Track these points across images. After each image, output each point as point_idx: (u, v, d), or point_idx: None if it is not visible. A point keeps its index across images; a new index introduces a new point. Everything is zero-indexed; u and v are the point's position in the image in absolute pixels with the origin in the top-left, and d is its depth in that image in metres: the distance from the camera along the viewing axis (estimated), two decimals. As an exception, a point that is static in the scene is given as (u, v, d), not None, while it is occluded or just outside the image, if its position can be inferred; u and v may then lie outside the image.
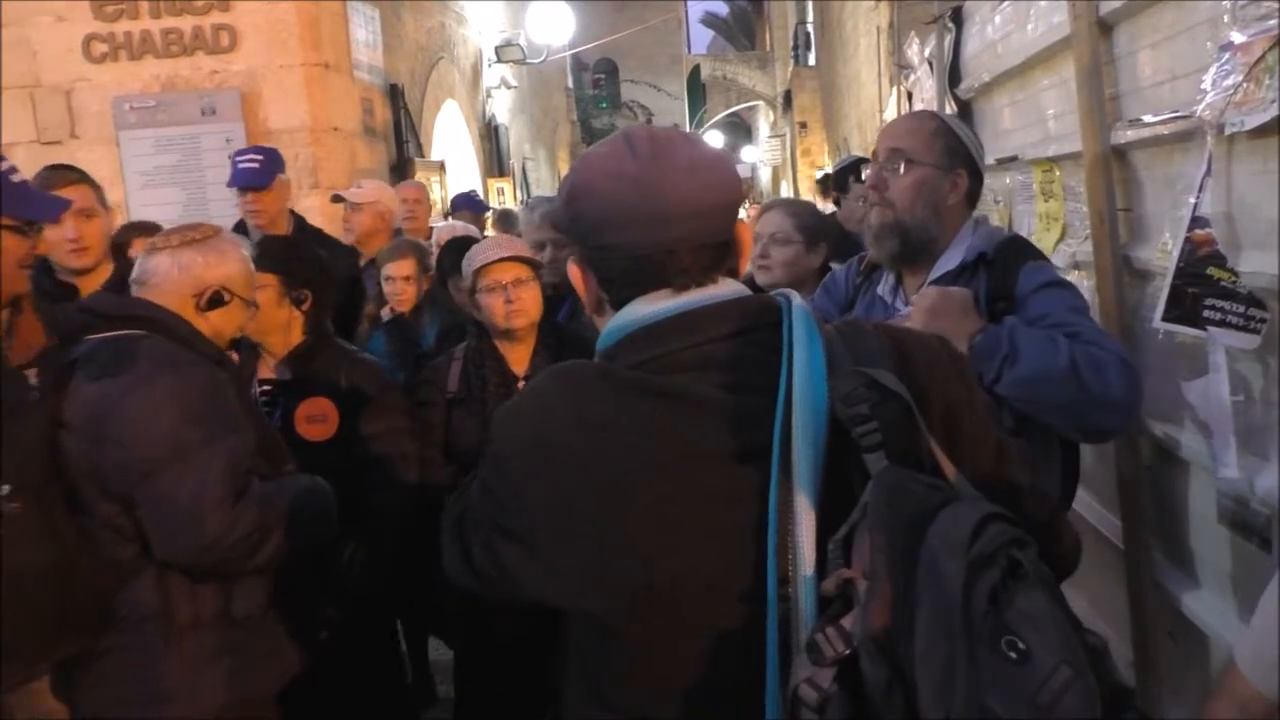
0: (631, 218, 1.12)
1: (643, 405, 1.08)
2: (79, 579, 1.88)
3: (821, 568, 0.99)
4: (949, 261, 2.06)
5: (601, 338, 1.18)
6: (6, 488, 1.79)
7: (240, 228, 3.99)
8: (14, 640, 1.81)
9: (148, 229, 3.30)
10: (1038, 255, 2.13)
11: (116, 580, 1.95)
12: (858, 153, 7.73)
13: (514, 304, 2.73)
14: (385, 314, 3.72)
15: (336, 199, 4.65)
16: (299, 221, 4.19)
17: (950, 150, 2.08)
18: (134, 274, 2.08)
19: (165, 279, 2.05)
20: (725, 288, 1.16)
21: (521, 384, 2.74)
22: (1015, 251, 2.07)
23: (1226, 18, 1.84)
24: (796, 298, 1.16)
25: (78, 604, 1.89)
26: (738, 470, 1.05)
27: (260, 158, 4.08)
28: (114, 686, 1.96)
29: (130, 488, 1.91)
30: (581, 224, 1.16)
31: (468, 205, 6.31)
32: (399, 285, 3.67)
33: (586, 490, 1.06)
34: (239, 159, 4.11)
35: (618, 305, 1.17)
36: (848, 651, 0.92)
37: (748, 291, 1.18)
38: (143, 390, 1.92)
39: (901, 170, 2.05)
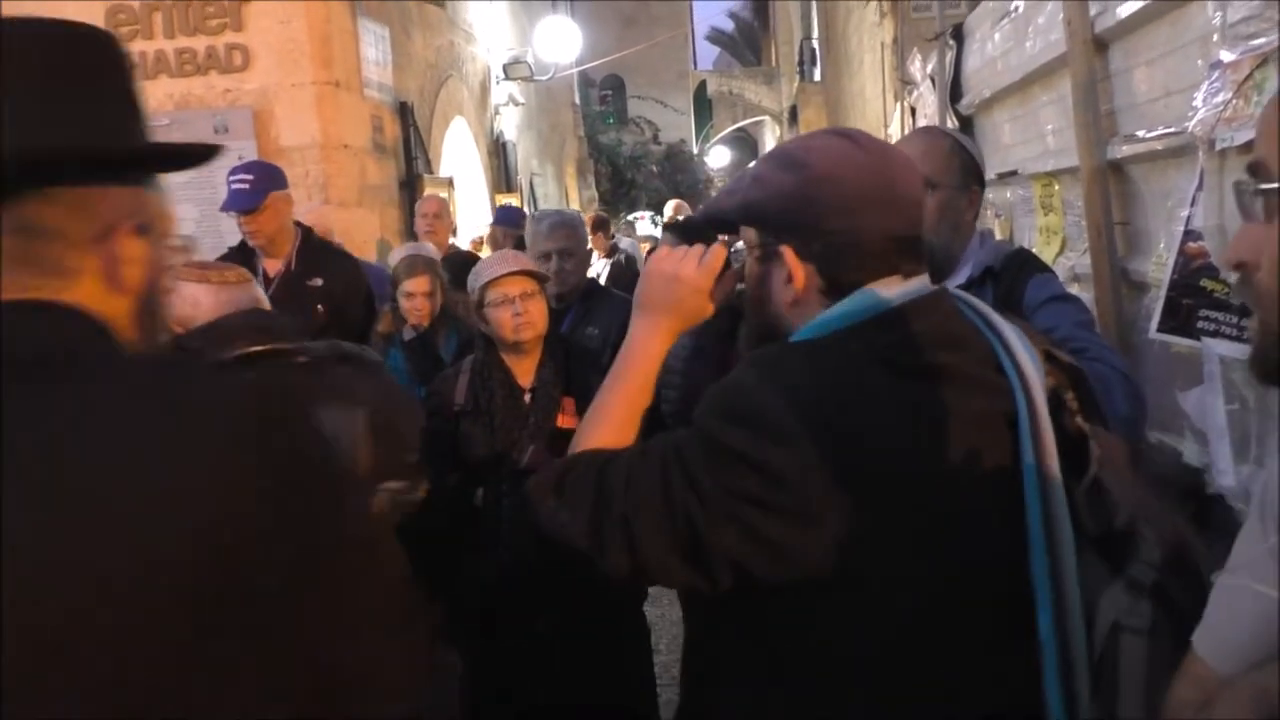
0: (875, 204, 1.18)
1: (916, 382, 1.12)
2: None
3: (1075, 517, 1.12)
4: (957, 277, 2.07)
5: (827, 320, 1.18)
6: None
7: (245, 247, 3.87)
8: None
9: None
10: (1043, 268, 2.15)
11: None
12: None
13: (522, 317, 2.77)
14: (408, 331, 3.75)
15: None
16: (305, 234, 4.02)
17: (965, 168, 2.09)
18: (242, 306, 2.08)
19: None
20: (927, 275, 1.24)
21: (528, 396, 2.79)
22: (1021, 264, 2.09)
23: (1216, 36, 1.89)
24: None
25: None
26: (1000, 438, 1.13)
27: (250, 177, 3.83)
28: None
29: None
30: (819, 209, 1.18)
31: (506, 220, 6.38)
32: (419, 301, 3.70)
33: (883, 460, 1.08)
34: (231, 179, 3.85)
35: (836, 293, 1.19)
36: (1156, 579, 1.07)
37: None
38: None
39: (926, 195, 2.06)
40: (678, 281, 1.30)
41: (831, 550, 1.06)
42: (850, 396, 1.10)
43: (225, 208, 3.89)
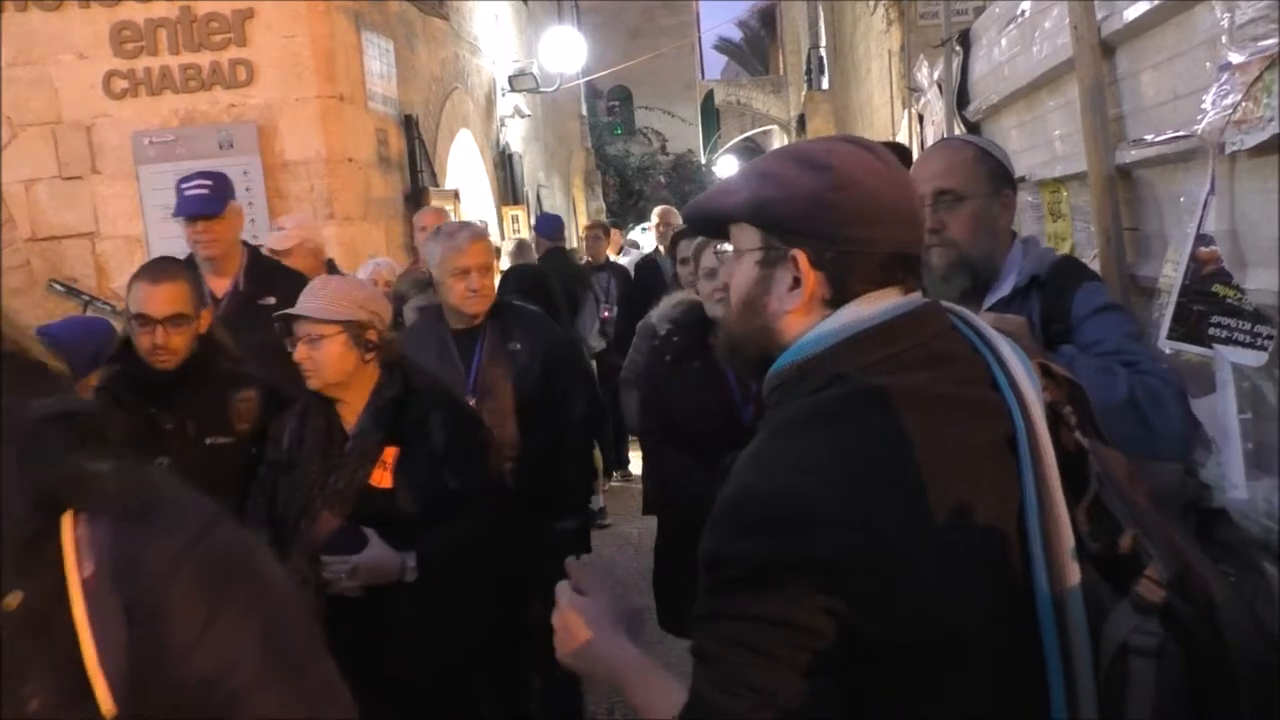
0: (894, 216, 1.15)
1: (910, 419, 1.07)
2: None
3: (1076, 535, 1.08)
4: (1002, 288, 2.03)
5: (820, 336, 1.15)
6: None
7: (189, 261, 3.58)
8: None
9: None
10: (1092, 276, 2.08)
11: None
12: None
13: (308, 363, 2.44)
14: None
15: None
16: (254, 253, 3.87)
17: (993, 174, 2.05)
18: None
19: None
20: (919, 291, 1.20)
21: (349, 444, 2.42)
22: (1069, 272, 2.04)
23: (1224, 38, 1.86)
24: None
25: None
26: (998, 461, 1.09)
27: (209, 183, 3.69)
28: None
29: None
30: (840, 215, 1.14)
31: (547, 229, 7.58)
32: None
33: (914, 546, 1.02)
34: (185, 186, 3.69)
35: (839, 303, 1.15)
36: (1164, 597, 1.02)
37: None
38: None
39: (957, 208, 2.01)
40: (592, 642, 1.25)
41: (903, 619, 1.01)
42: (853, 459, 1.05)
43: (183, 212, 3.68)
